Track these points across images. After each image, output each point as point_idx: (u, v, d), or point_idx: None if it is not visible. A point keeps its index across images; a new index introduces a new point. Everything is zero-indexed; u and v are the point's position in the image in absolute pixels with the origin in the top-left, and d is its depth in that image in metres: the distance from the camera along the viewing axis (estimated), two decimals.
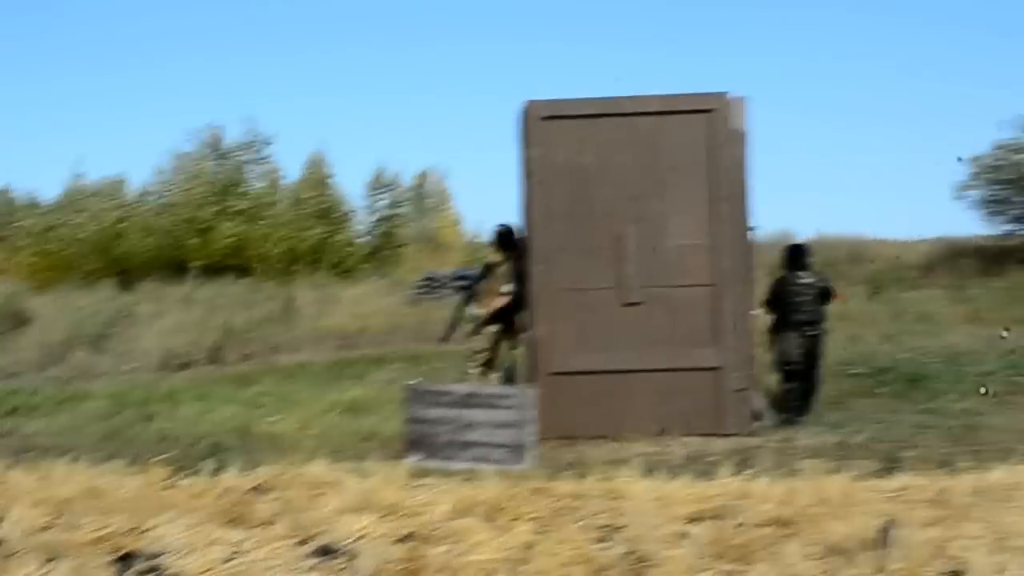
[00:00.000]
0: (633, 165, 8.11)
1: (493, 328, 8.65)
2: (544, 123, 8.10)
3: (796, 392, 8.51)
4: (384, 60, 55.31)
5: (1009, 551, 4.14)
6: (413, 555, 4.08)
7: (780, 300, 8.58)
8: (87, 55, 51.20)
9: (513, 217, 8.52)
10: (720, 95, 8.11)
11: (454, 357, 10.55)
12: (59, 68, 50.24)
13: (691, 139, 8.05)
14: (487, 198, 46.35)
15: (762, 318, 8.63)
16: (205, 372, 12.53)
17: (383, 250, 24.65)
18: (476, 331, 8.72)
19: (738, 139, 8.06)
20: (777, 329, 8.62)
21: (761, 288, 8.73)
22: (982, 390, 8.08)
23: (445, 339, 9.01)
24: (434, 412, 7.14)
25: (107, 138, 49.86)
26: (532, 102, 8.15)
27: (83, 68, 51.60)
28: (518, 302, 8.49)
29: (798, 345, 8.52)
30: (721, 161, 8.01)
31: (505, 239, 8.81)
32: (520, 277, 8.38)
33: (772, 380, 8.78)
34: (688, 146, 8.06)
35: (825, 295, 8.73)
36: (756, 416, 8.23)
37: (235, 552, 4.12)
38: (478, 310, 8.64)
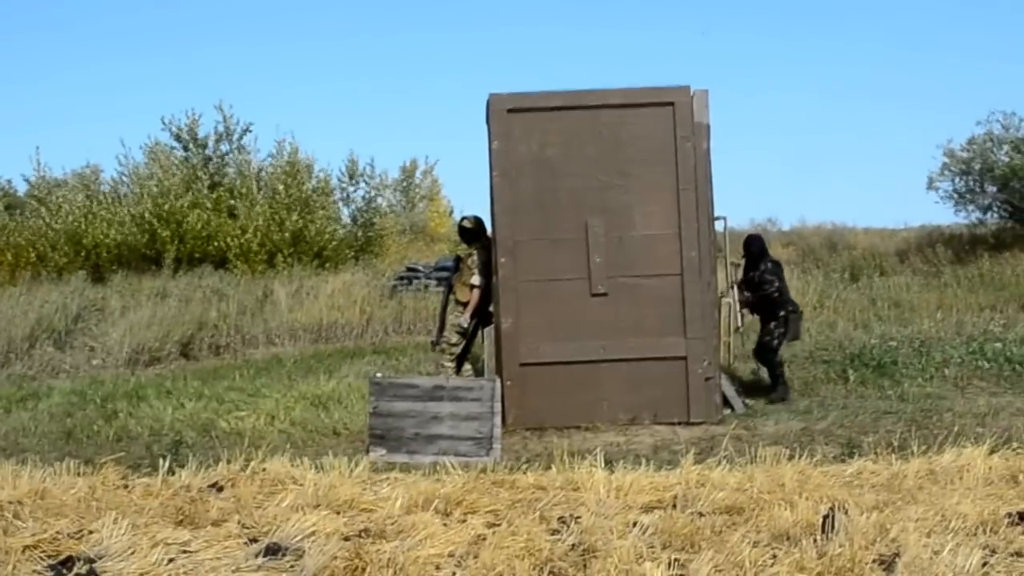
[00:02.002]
0: (598, 157, 8.13)
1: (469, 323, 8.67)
2: (508, 116, 8.11)
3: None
4: (373, 48, 55.03)
5: (949, 533, 4.20)
6: (360, 551, 4.07)
7: (782, 280, 8.96)
8: (58, 44, 50.65)
9: (485, 208, 8.53)
10: (683, 88, 8.15)
11: (429, 349, 10.54)
12: (29, 57, 49.65)
13: (655, 131, 8.08)
14: (479, 187, 46.23)
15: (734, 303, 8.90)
16: (175, 367, 12.45)
17: (364, 240, 24.53)
18: (463, 339, 8.72)
19: (701, 131, 8.10)
20: (784, 312, 8.82)
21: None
22: None
23: (437, 341, 8.99)
24: (399, 405, 7.13)
25: (78, 128, 49.34)
26: (496, 95, 8.16)
27: (54, 57, 51.05)
28: (488, 295, 8.51)
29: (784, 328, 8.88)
30: (685, 153, 8.04)
31: (466, 232, 8.83)
32: (489, 269, 8.39)
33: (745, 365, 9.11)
34: (652, 138, 8.09)
35: None
36: (728, 404, 8.28)
37: (181, 553, 4.10)
38: (462, 320, 8.63)
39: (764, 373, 9.09)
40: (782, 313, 8.79)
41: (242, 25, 54.17)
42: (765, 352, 8.86)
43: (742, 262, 9.12)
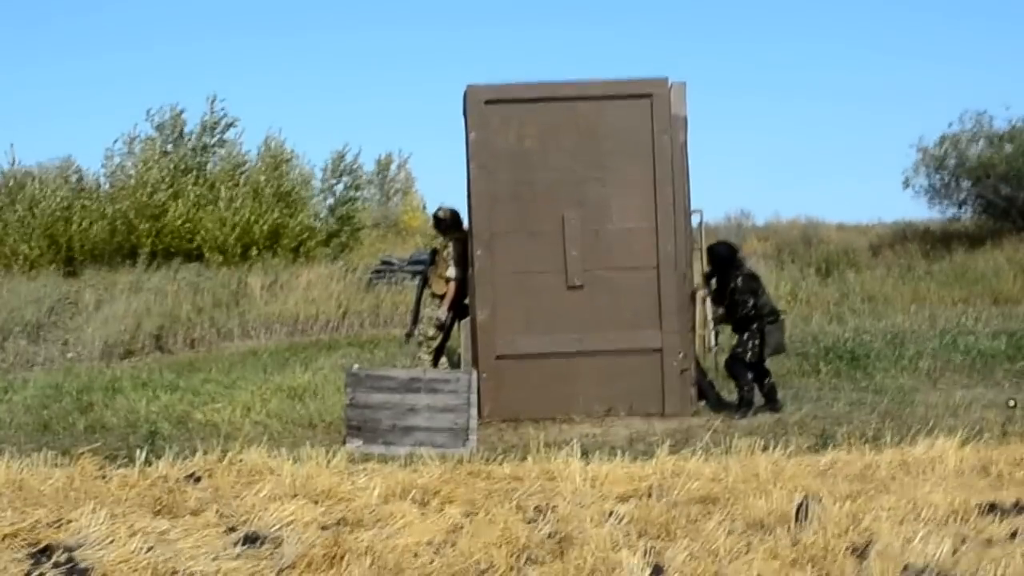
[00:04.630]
0: (575, 149, 8.15)
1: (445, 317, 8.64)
2: (486, 107, 8.11)
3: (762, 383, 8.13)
4: (347, 43, 54.72)
5: (920, 522, 4.28)
6: (338, 540, 4.09)
7: (759, 294, 8.06)
8: (42, 35, 49.98)
9: (461, 201, 8.51)
10: (661, 80, 8.17)
11: (403, 342, 10.54)
12: (11, 47, 48.95)
13: (632, 124, 8.10)
14: (453, 182, 46.13)
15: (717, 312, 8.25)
16: (150, 360, 12.38)
17: (341, 234, 24.45)
18: (440, 332, 8.68)
19: (678, 124, 8.14)
20: (759, 323, 7.99)
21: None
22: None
23: (411, 334, 8.96)
24: (376, 397, 7.14)
25: (61, 121, 48.74)
26: (474, 86, 8.16)
27: (36, 48, 50.41)
28: (464, 287, 8.50)
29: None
30: (662, 145, 8.08)
31: (442, 223, 8.79)
32: (465, 261, 8.39)
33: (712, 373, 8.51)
34: (630, 131, 8.11)
35: None
36: (703, 396, 8.32)
37: (159, 542, 4.10)
38: (439, 313, 8.60)
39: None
40: (755, 325, 7.96)
41: (221, 21, 53.73)
42: (734, 364, 8.06)
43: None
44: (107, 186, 23.02)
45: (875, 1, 51.34)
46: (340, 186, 25.90)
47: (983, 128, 20.28)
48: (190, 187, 21.81)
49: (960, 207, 20.92)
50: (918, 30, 50.51)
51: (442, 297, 8.63)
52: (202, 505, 4.80)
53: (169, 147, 23.34)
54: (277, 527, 4.37)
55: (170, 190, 21.52)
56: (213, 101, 23.76)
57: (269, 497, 4.91)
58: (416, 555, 4.07)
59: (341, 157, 25.79)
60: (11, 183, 22.91)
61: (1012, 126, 19.95)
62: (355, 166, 26.39)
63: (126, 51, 50.83)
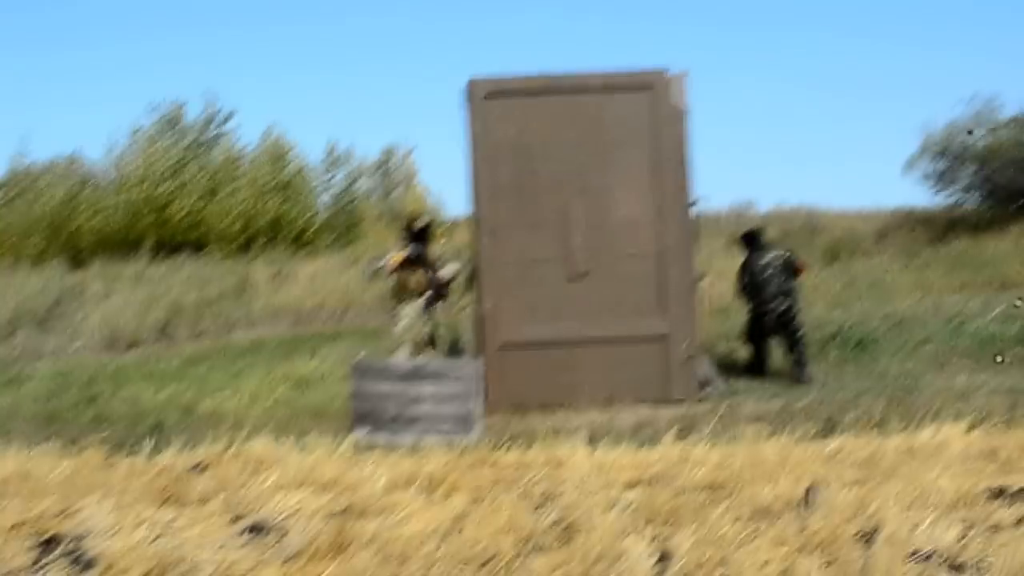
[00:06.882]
0: (577, 141, 8.18)
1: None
2: (488, 100, 8.14)
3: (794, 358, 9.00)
4: (350, 33, 54.49)
5: (927, 507, 4.25)
6: (344, 529, 4.08)
7: (750, 285, 9.15)
8: (43, 29, 49.88)
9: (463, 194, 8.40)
10: (661, 72, 8.17)
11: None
12: (11, 41, 48.81)
13: (634, 115, 8.14)
14: (455, 173, 45.93)
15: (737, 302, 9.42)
16: (155, 351, 12.40)
17: (342, 225, 24.44)
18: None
19: (679, 114, 8.15)
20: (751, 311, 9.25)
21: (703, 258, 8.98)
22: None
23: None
24: (381, 387, 7.13)
25: (64, 115, 48.61)
26: (475, 79, 8.18)
27: (37, 42, 50.28)
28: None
29: (765, 322, 9.06)
30: (663, 136, 8.10)
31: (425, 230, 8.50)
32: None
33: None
34: (631, 122, 8.15)
35: (789, 269, 9.05)
36: (704, 383, 8.32)
37: (165, 531, 4.11)
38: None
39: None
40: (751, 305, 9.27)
41: (224, 14, 53.52)
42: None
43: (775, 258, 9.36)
44: (112, 178, 23.04)
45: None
46: (338, 177, 25.90)
47: (986, 115, 20.16)
48: (195, 176, 21.81)
49: (966, 192, 20.81)
50: (920, 15, 50.20)
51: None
52: (208, 495, 4.80)
53: (172, 140, 23.36)
54: (282, 516, 4.37)
55: (174, 181, 21.53)
56: (210, 95, 23.80)
57: (275, 486, 4.91)
58: (421, 543, 4.06)
59: (334, 148, 25.83)
60: (17, 177, 22.95)
61: (1016, 114, 19.83)
62: (351, 157, 26.38)
63: (128, 45, 50.64)
